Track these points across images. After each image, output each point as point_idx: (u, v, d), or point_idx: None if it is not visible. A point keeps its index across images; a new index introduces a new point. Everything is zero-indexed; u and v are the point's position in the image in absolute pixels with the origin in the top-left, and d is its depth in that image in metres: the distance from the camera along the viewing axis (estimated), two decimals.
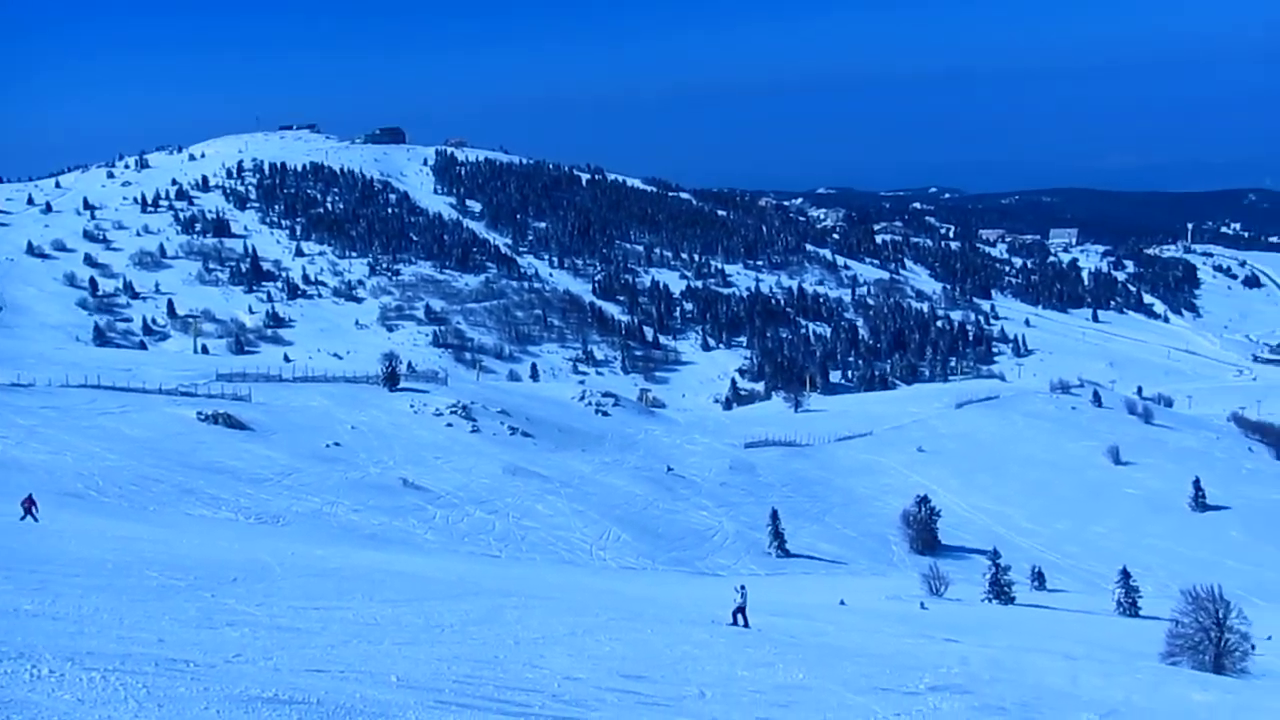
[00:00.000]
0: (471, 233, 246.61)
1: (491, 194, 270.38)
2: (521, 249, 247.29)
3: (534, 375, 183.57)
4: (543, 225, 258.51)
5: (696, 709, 14.35)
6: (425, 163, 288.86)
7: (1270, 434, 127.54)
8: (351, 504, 52.86)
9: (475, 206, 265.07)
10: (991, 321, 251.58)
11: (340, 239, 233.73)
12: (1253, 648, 39.24)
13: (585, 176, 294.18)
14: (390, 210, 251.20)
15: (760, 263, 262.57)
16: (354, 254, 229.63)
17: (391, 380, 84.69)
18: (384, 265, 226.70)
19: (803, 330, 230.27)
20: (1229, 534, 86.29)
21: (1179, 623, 37.69)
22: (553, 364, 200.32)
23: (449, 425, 75.68)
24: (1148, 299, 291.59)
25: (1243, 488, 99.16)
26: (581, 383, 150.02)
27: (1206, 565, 71.43)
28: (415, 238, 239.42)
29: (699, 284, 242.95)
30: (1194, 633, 36.82)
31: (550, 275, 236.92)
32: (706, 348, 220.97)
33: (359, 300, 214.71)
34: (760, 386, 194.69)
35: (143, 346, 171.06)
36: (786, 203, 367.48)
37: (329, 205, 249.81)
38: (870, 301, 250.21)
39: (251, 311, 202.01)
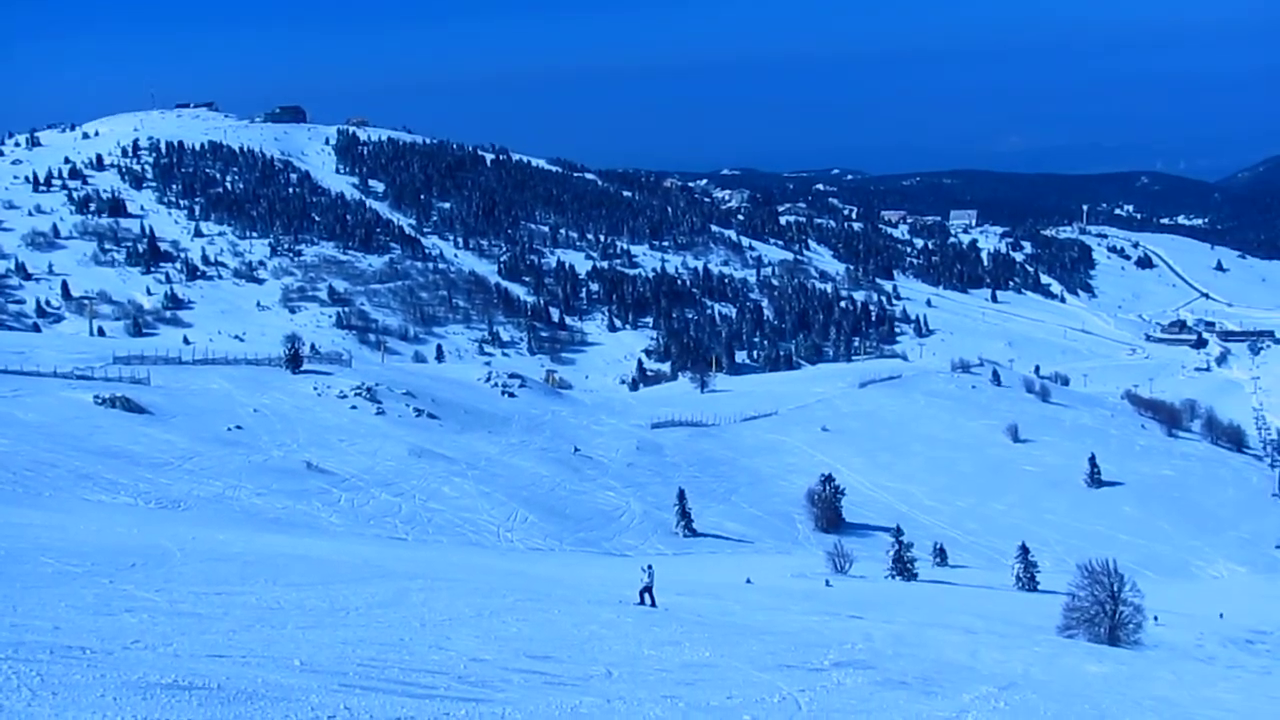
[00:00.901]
0: (375, 213, 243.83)
1: (395, 174, 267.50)
2: (426, 230, 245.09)
3: (439, 357, 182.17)
4: (447, 206, 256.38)
5: (603, 688, 14.38)
6: (327, 142, 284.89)
7: (1162, 411, 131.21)
8: (254, 488, 52.06)
9: (378, 187, 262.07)
10: (894, 302, 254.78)
11: (240, 219, 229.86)
12: (1155, 619, 40.38)
13: (490, 156, 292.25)
14: (291, 190, 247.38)
15: (666, 244, 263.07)
16: (254, 234, 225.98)
17: (294, 362, 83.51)
18: (285, 246, 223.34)
19: (708, 311, 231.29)
20: (1123, 509, 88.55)
21: (1075, 596, 38.63)
22: (458, 345, 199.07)
23: (353, 407, 74.88)
24: (1045, 279, 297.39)
25: (1135, 464, 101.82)
26: (487, 364, 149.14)
27: (1101, 540, 73.37)
28: (317, 218, 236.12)
29: (605, 265, 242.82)
30: (1089, 606, 37.75)
31: (455, 256, 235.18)
32: (612, 328, 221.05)
33: (260, 281, 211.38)
34: (666, 367, 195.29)
35: (36, 329, 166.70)
36: (691, 184, 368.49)
37: (228, 185, 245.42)
38: (775, 282, 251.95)
39: (149, 293, 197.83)
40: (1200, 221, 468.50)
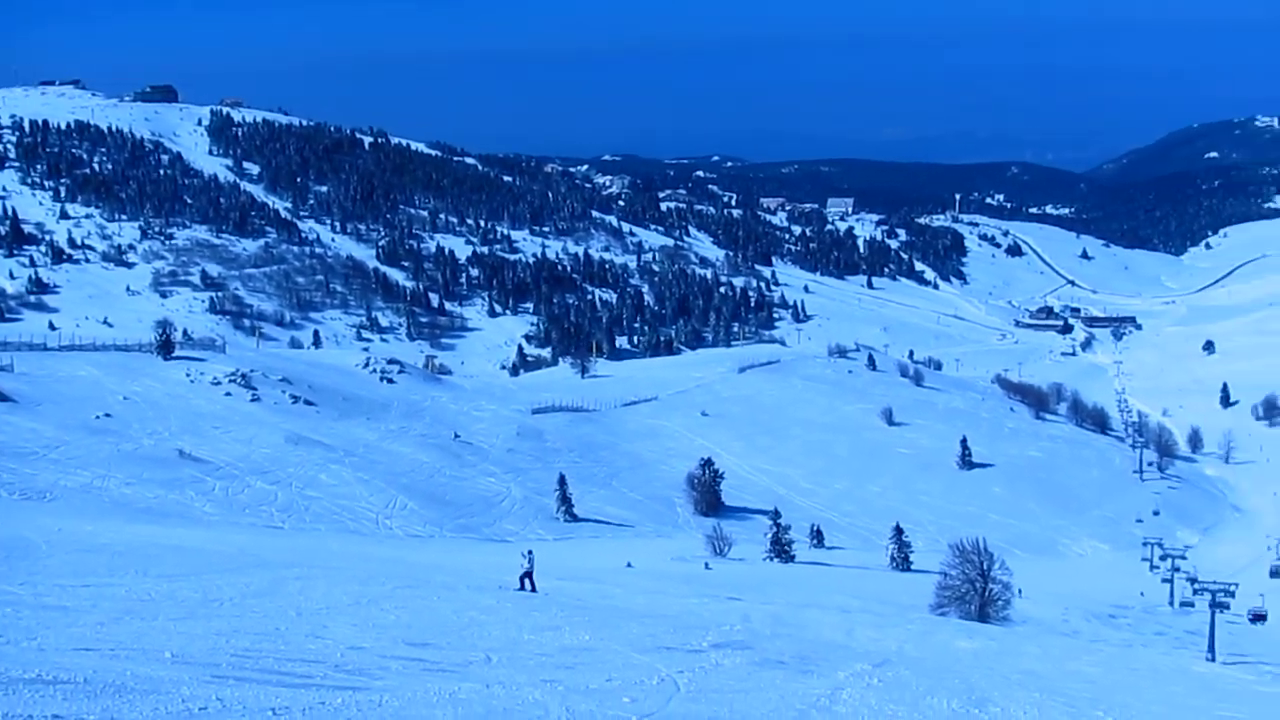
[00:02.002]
0: (250, 196, 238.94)
1: (270, 156, 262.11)
2: (302, 213, 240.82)
3: (316, 342, 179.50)
4: (324, 189, 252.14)
5: (482, 673, 14.37)
6: (199, 123, 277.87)
7: (1030, 395, 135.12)
8: (124, 477, 50.86)
9: (253, 169, 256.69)
10: (772, 288, 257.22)
11: (109, 201, 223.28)
12: (1020, 592, 41.60)
13: (368, 139, 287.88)
14: (163, 172, 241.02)
15: (547, 229, 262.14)
16: (124, 217, 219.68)
17: (166, 348, 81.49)
18: (156, 229, 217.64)
19: (589, 296, 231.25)
20: (992, 490, 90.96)
21: (947, 575, 39.70)
22: (336, 331, 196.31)
23: (228, 394, 73.48)
24: (919, 266, 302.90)
25: (1005, 446, 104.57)
26: (366, 350, 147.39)
27: (972, 520, 75.18)
28: (190, 200, 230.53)
29: (485, 250, 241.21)
30: (961, 584, 38.83)
31: (333, 240, 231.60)
32: (493, 314, 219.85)
33: (130, 265, 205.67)
34: (547, 353, 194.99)
35: None
36: (572, 169, 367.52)
37: (96, 166, 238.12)
38: (655, 268, 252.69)
39: (12, 277, 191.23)
40: (1067, 211, 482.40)
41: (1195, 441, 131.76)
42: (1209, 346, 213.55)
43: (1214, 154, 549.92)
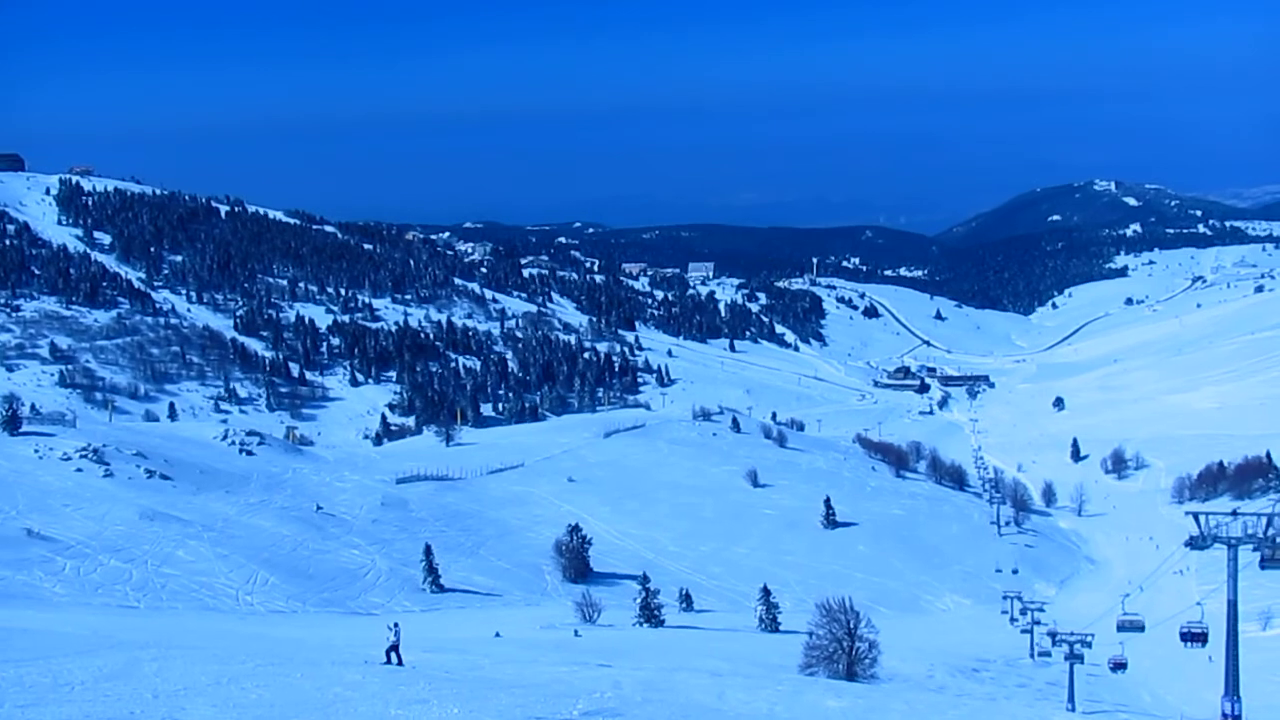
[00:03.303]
0: (101, 266, 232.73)
1: (122, 225, 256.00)
2: (157, 283, 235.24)
3: (172, 415, 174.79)
4: (179, 259, 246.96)
5: None
6: (48, 192, 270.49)
7: (890, 453, 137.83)
8: None
9: (105, 239, 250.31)
10: (636, 352, 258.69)
11: None
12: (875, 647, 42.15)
13: (224, 208, 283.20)
14: (8, 241, 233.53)
15: (409, 296, 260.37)
16: None
17: (12, 423, 79.00)
18: (2, 301, 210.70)
19: (453, 364, 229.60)
20: (857, 548, 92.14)
21: (814, 635, 40.01)
22: (193, 403, 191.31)
23: (79, 470, 71.26)
24: (779, 329, 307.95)
25: (868, 504, 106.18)
26: (224, 421, 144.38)
27: (838, 578, 76.10)
28: (38, 271, 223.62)
29: (346, 318, 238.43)
30: (828, 644, 39.17)
31: (189, 311, 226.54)
32: (355, 383, 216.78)
33: None
34: (411, 421, 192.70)
35: None
36: (434, 236, 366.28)
37: None
38: (519, 334, 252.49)
39: None
40: (920, 273, 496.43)
41: (1049, 495, 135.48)
42: (1059, 403, 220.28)
43: (1057, 216, 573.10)
